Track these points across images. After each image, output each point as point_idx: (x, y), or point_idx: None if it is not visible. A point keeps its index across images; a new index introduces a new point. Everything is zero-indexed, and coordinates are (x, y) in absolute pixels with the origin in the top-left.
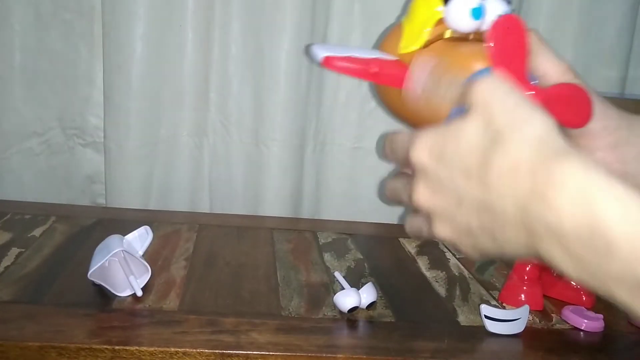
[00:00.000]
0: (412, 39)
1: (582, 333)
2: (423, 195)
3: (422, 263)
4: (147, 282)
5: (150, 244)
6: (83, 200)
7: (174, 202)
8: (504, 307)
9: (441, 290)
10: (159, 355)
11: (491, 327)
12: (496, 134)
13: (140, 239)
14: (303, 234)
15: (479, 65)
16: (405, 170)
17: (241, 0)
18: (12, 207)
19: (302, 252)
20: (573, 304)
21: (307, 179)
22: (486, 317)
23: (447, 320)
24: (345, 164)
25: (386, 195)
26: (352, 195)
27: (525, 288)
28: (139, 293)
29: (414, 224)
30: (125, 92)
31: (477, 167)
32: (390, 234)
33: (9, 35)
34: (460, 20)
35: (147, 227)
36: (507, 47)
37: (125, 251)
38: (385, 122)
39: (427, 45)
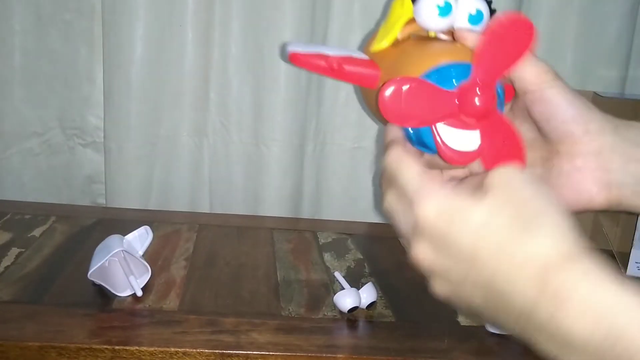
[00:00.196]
0: (383, 37)
1: None
2: (422, 253)
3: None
4: (147, 282)
5: (150, 244)
6: (83, 200)
7: (174, 202)
8: None
9: None
10: (159, 355)
11: (491, 327)
12: (511, 223)
13: (140, 239)
14: (303, 234)
15: (442, 61)
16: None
17: (241, 0)
18: (12, 207)
19: (302, 252)
20: None
21: (307, 179)
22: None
23: (447, 320)
24: (345, 164)
25: (382, 209)
26: (352, 195)
27: None
28: (139, 293)
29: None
30: (125, 92)
31: (487, 254)
32: (390, 234)
33: (9, 35)
34: (428, 18)
35: (147, 227)
36: (499, 45)
37: (125, 251)
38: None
39: (397, 44)
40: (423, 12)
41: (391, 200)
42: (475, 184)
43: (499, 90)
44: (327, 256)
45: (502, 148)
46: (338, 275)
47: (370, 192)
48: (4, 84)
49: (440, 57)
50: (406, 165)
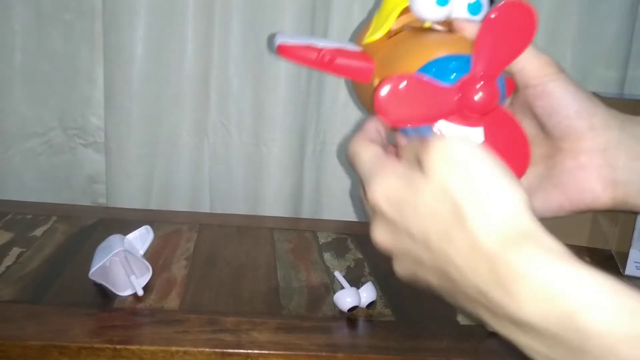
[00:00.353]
0: (377, 28)
1: None
2: (380, 235)
3: None
4: (148, 281)
5: (151, 243)
6: (84, 200)
7: (175, 202)
8: None
9: None
10: (160, 355)
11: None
12: (455, 207)
13: (141, 238)
14: (303, 234)
15: (440, 53)
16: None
17: (241, 1)
18: (13, 207)
19: (302, 252)
20: None
21: (307, 179)
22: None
23: (446, 319)
24: (346, 164)
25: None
26: (352, 195)
27: None
28: (140, 292)
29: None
30: (126, 93)
31: (437, 238)
32: None
33: (9, 35)
34: (425, 7)
35: (148, 227)
36: (500, 34)
37: (126, 251)
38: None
39: (392, 35)
40: (419, 1)
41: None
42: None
43: (500, 83)
44: (327, 256)
45: (506, 144)
46: (338, 274)
47: None
48: (5, 84)
49: (438, 49)
50: (362, 149)
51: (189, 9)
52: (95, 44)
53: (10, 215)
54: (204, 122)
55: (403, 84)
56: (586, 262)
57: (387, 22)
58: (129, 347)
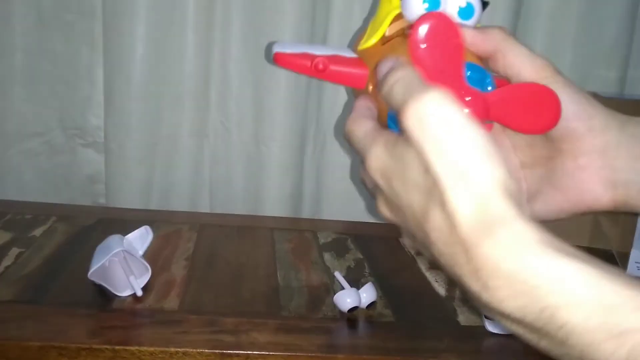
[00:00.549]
0: (371, 34)
1: None
2: (383, 210)
3: (422, 263)
4: (148, 282)
5: (151, 243)
6: (84, 200)
7: (175, 202)
8: None
9: (441, 290)
10: (159, 355)
11: (491, 327)
12: (432, 182)
13: (140, 239)
14: (303, 234)
15: None
16: None
17: (241, 1)
18: (12, 207)
19: (302, 252)
20: None
21: (307, 179)
22: (486, 317)
23: (447, 320)
24: (345, 164)
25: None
26: (352, 195)
27: None
28: (139, 293)
29: None
30: (125, 93)
31: (419, 212)
32: (390, 234)
33: (10, 35)
34: (416, 13)
35: (148, 227)
36: (436, 47)
37: (126, 251)
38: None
39: (386, 41)
40: (410, 7)
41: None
42: None
43: (489, 81)
44: (327, 256)
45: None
46: (338, 275)
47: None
48: (5, 84)
49: None
50: (356, 126)
51: (189, 9)
52: (96, 44)
53: (9, 215)
54: (204, 122)
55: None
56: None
57: (381, 28)
58: (128, 347)
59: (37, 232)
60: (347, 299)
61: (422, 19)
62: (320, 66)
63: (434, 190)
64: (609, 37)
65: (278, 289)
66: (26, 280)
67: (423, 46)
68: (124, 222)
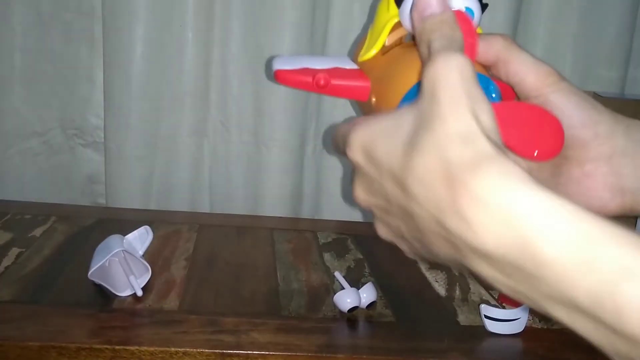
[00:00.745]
0: (371, 45)
1: None
2: (359, 194)
3: (422, 263)
4: (148, 282)
5: (151, 244)
6: (83, 200)
7: (174, 202)
8: (503, 307)
9: (441, 290)
10: (159, 355)
11: (491, 327)
12: (418, 130)
13: (140, 239)
14: (303, 234)
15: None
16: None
17: (241, 0)
18: (12, 207)
19: (302, 252)
20: None
21: (307, 179)
22: (486, 317)
23: (447, 320)
24: (346, 164)
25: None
26: (351, 196)
27: None
28: (139, 293)
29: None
30: (125, 93)
31: (399, 169)
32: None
33: (9, 35)
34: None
35: (148, 227)
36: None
37: (126, 251)
38: None
39: (386, 51)
40: (408, 15)
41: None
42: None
43: (491, 87)
44: (327, 256)
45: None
46: (338, 275)
47: None
48: (4, 84)
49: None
50: (340, 126)
51: (189, 9)
52: (95, 44)
53: (9, 215)
54: (204, 122)
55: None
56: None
57: (380, 38)
58: (128, 347)
59: (37, 232)
60: (347, 299)
61: None
62: (322, 82)
63: (417, 137)
64: (609, 37)
65: (278, 289)
66: (26, 280)
67: None
68: (123, 222)
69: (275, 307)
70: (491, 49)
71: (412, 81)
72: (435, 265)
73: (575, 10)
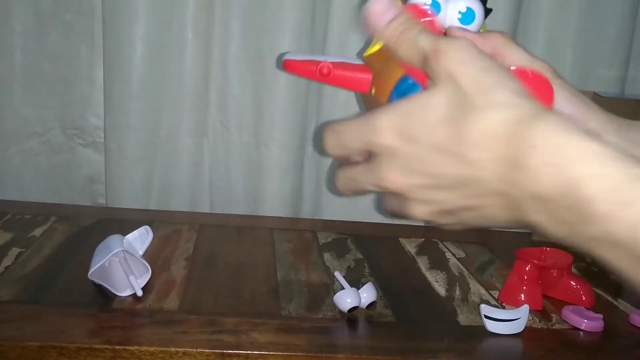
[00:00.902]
0: (376, 40)
1: (581, 333)
2: (394, 178)
3: (422, 263)
4: (148, 282)
5: (151, 244)
6: (83, 200)
7: (174, 202)
8: (503, 307)
9: (441, 290)
10: (159, 355)
11: (491, 327)
12: (464, 103)
13: (140, 239)
14: (303, 234)
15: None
16: (356, 159)
17: (241, 0)
18: (12, 207)
19: (302, 252)
20: (573, 304)
21: (307, 179)
22: (486, 317)
23: (447, 320)
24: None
25: (338, 188)
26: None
27: (524, 288)
28: (139, 293)
29: (391, 204)
30: (125, 93)
31: (449, 141)
32: (390, 234)
33: (9, 35)
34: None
35: (148, 227)
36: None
37: (126, 251)
38: None
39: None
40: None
41: (343, 159)
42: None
43: None
44: (327, 256)
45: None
46: (338, 275)
47: None
48: (5, 84)
49: None
50: (339, 127)
51: (189, 9)
52: (95, 44)
53: (9, 215)
54: (204, 122)
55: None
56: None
57: None
58: (128, 347)
59: (37, 232)
60: (347, 299)
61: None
62: (325, 70)
63: (467, 108)
64: (609, 36)
65: (278, 289)
66: (26, 280)
67: None
68: (123, 222)
69: (275, 307)
70: (488, 44)
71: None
72: (438, 266)
73: (575, 10)
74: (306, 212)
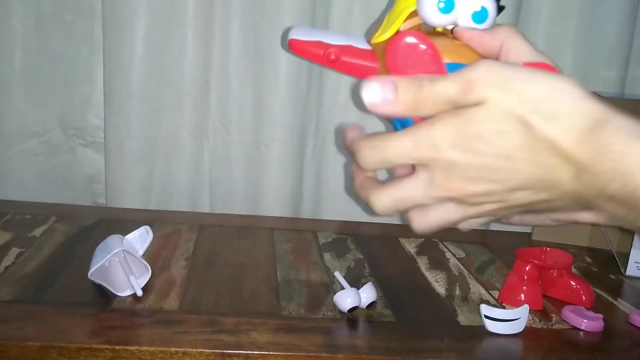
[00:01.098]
0: (386, 29)
1: (581, 333)
2: (459, 186)
3: (422, 263)
4: (148, 282)
5: (151, 243)
6: (83, 200)
7: (175, 202)
8: (503, 307)
9: (441, 290)
10: (159, 355)
11: (491, 326)
12: (520, 120)
13: (140, 238)
14: (303, 234)
15: (445, 60)
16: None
17: (241, 1)
18: (12, 207)
19: (302, 252)
20: (573, 304)
21: (307, 179)
22: (486, 316)
23: (447, 320)
24: (346, 164)
25: (381, 210)
26: (352, 195)
27: (524, 288)
28: (139, 293)
29: (439, 216)
30: (125, 93)
31: (519, 149)
32: (390, 234)
33: (9, 35)
34: (430, 13)
35: (148, 227)
36: (412, 65)
37: (126, 251)
38: (385, 123)
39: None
40: (425, 7)
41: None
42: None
43: None
44: (327, 256)
45: None
46: (338, 275)
47: None
48: (5, 84)
49: (446, 57)
50: (381, 142)
51: (189, 9)
52: (95, 44)
53: (9, 215)
54: (204, 122)
55: (423, 46)
56: (587, 262)
57: (395, 23)
58: (128, 347)
59: (37, 232)
60: (347, 298)
61: (391, 41)
62: (332, 57)
63: (524, 124)
64: (609, 36)
65: (278, 289)
66: (26, 280)
67: (401, 65)
68: (123, 222)
69: (275, 307)
70: (496, 38)
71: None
72: (438, 266)
73: (576, 10)
74: (306, 212)
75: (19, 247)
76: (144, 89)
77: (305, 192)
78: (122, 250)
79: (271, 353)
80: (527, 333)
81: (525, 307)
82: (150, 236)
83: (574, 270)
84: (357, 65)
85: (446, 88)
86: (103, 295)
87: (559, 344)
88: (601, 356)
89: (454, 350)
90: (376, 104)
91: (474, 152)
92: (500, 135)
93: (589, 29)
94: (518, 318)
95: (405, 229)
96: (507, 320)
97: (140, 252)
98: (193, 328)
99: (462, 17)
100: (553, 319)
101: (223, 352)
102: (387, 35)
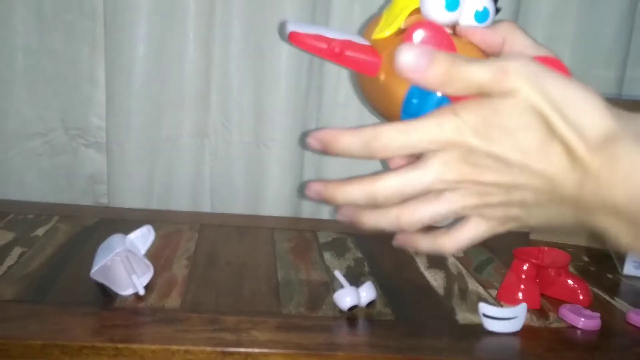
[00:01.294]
0: (386, 26)
1: (579, 331)
2: (470, 172)
3: (421, 262)
4: (149, 281)
5: (152, 243)
6: (85, 200)
7: (176, 202)
8: (501, 306)
9: (440, 289)
10: (161, 353)
11: (489, 325)
12: (551, 114)
13: (142, 238)
14: (303, 234)
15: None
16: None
17: (241, 1)
18: (15, 207)
19: (302, 252)
20: (570, 303)
21: (307, 179)
22: (484, 315)
23: (445, 318)
24: (346, 164)
25: (405, 225)
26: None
27: (522, 287)
28: (141, 292)
29: (442, 205)
30: (127, 93)
31: (535, 146)
32: (390, 234)
33: (11, 36)
34: (434, 11)
35: (149, 227)
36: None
37: (128, 250)
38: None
39: (400, 33)
40: (430, 4)
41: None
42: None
43: None
44: (327, 255)
45: None
46: (338, 274)
47: None
48: (7, 85)
49: None
50: (403, 128)
51: (190, 9)
52: (97, 44)
53: (11, 215)
54: (205, 122)
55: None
56: (585, 261)
57: (397, 20)
58: (130, 346)
59: (40, 231)
60: (346, 297)
61: (414, 26)
62: (337, 50)
63: (546, 124)
64: (607, 37)
65: (278, 287)
66: (29, 279)
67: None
68: (125, 221)
69: (276, 306)
70: (498, 34)
71: None
72: (436, 265)
73: (573, 11)
74: (306, 212)
75: (22, 246)
76: (145, 89)
77: (305, 192)
78: (124, 249)
79: (272, 351)
80: (525, 331)
81: (523, 306)
82: (152, 235)
83: (571, 269)
84: (360, 60)
85: (481, 71)
86: (105, 294)
87: (556, 342)
88: (598, 354)
89: (452, 348)
90: (408, 68)
91: (494, 141)
92: (522, 129)
93: (587, 30)
94: (516, 317)
95: None
96: (505, 318)
97: (142, 252)
98: (194, 326)
99: (464, 15)
100: (551, 318)
101: (224, 350)
102: (388, 32)
